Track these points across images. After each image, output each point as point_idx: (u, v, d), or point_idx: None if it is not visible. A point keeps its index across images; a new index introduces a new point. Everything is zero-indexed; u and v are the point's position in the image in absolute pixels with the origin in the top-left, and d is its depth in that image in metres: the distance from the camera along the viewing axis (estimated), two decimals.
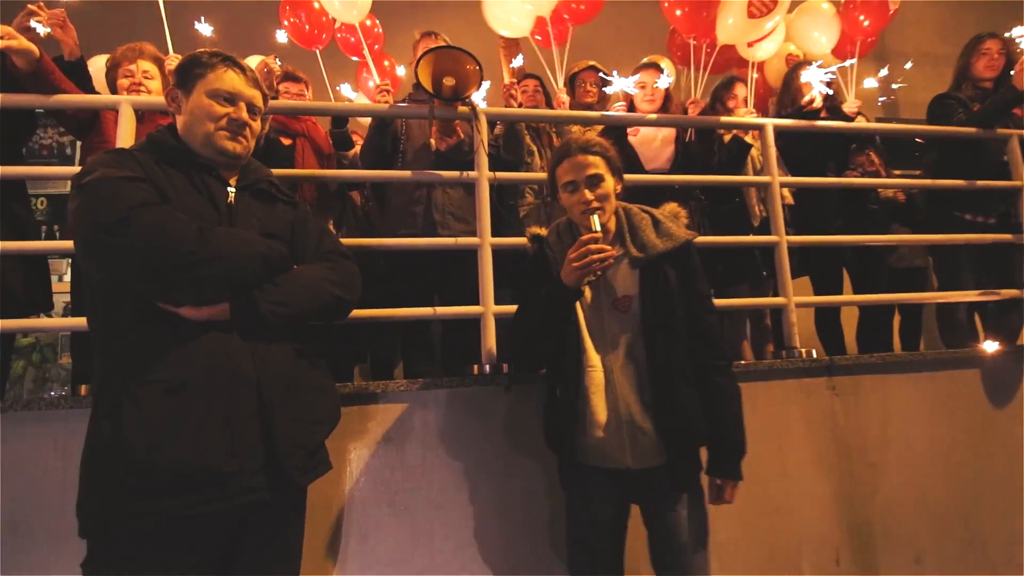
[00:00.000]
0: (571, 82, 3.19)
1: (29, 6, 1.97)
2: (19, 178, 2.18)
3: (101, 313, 1.23)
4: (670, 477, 1.46)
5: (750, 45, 2.67)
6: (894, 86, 4.06)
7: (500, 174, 2.25)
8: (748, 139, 2.63)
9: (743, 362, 2.32)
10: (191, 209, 1.25)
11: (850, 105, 2.67)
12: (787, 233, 2.44)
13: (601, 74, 3.14)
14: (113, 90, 2.34)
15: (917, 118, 4.01)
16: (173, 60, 2.34)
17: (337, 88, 2.93)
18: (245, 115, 1.36)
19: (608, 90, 2.62)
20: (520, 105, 2.67)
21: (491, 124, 2.49)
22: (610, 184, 1.54)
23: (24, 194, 2.21)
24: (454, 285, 2.45)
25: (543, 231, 1.70)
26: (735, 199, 2.74)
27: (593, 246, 1.42)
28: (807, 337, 2.51)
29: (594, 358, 1.52)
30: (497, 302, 2.12)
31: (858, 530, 2.16)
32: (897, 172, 3.21)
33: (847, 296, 2.71)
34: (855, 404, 2.25)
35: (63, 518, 1.55)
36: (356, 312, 1.98)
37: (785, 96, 2.72)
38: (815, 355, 2.30)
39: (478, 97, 2.31)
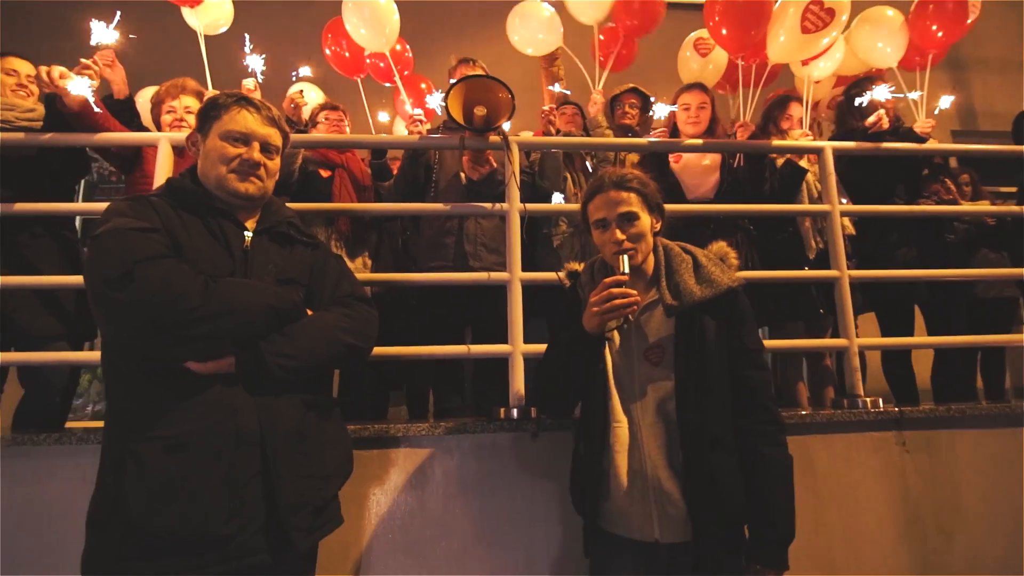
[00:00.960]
0: (612, 104, 3.08)
1: (82, 60, 2.03)
2: (69, 213, 2.27)
3: (111, 365, 1.21)
4: (694, 555, 1.27)
5: (805, 63, 2.47)
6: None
7: (531, 205, 2.15)
8: (803, 163, 2.43)
9: (800, 412, 2.10)
10: (205, 256, 1.22)
11: (922, 125, 2.41)
12: (848, 266, 2.23)
13: (642, 95, 3.05)
14: (158, 125, 2.42)
15: (998, 130, 3.66)
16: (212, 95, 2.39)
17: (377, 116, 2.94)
18: (257, 155, 1.32)
19: (660, 110, 2.48)
20: (558, 131, 2.58)
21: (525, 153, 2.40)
22: (646, 222, 1.40)
23: (72, 224, 2.31)
24: (486, 318, 2.36)
25: (580, 266, 1.58)
26: (788, 228, 2.52)
27: (616, 290, 1.30)
28: (872, 375, 2.27)
29: (620, 412, 1.36)
30: (530, 335, 2.02)
31: None
32: (988, 189, 2.89)
33: (920, 338, 2.41)
34: (928, 462, 1.99)
35: None
36: (384, 350, 1.96)
37: (847, 116, 2.50)
38: (882, 406, 2.06)
39: (515, 123, 2.23)
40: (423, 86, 3.26)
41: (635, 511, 1.30)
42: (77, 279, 2.13)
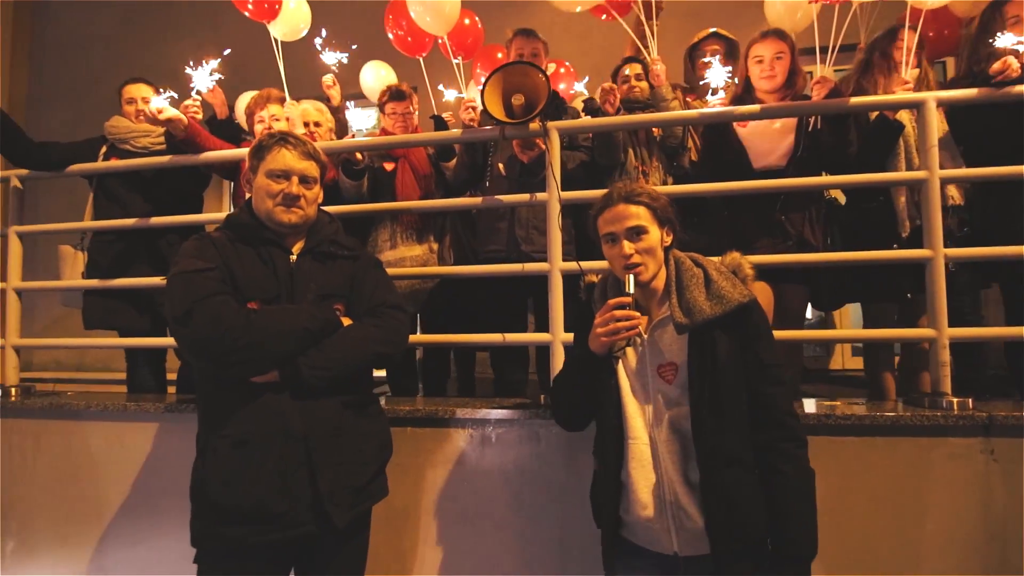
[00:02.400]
0: (691, 55, 2.81)
1: (191, 97, 2.39)
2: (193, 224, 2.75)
3: (196, 379, 1.55)
4: (715, 566, 1.29)
5: None
6: None
7: (570, 193, 2.13)
8: (904, 116, 2.05)
9: (860, 410, 1.92)
10: (255, 282, 1.48)
11: None
12: (952, 242, 1.90)
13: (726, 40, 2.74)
14: (252, 133, 2.76)
15: None
16: (290, 104, 2.65)
17: (439, 89, 3.00)
18: (296, 188, 1.53)
19: (715, 77, 2.23)
20: (619, 110, 2.44)
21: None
22: (655, 236, 1.38)
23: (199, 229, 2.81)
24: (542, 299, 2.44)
25: (597, 278, 1.58)
26: (879, 197, 2.18)
27: (619, 312, 1.32)
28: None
29: (637, 429, 1.37)
30: None
31: None
32: None
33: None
34: (1020, 473, 1.73)
35: None
36: (427, 337, 2.16)
37: (971, 54, 2.03)
38: (969, 407, 1.80)
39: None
40: (500, 55, 3.24)
41: (654, 525, 1.34)
42: None
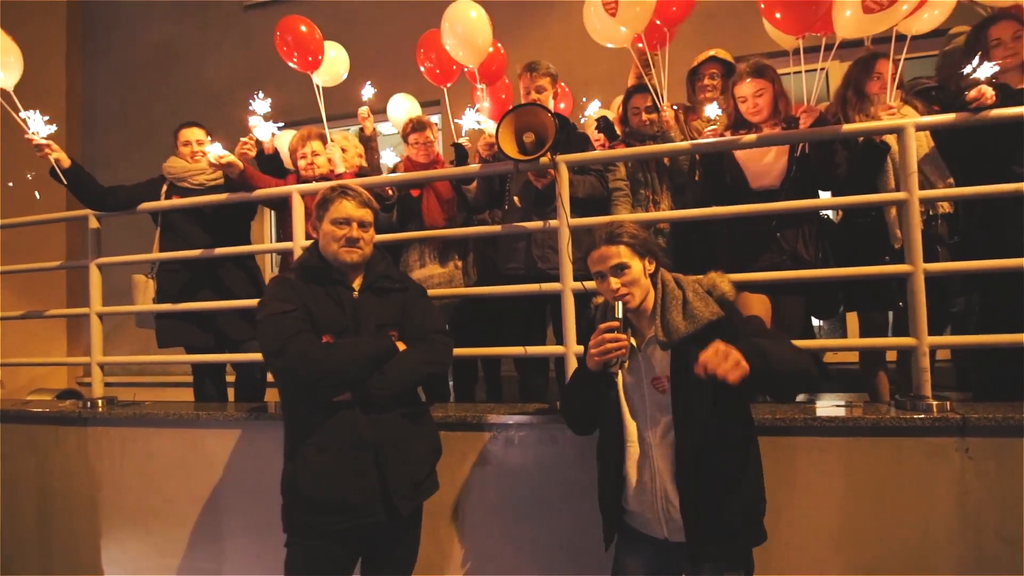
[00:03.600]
0: (691, 78, 2.98)
1: (240, 139, 2.72)
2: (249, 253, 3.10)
3: (284, 399, 1.87)
4: (689, 551, 1.53)
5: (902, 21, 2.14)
6: None
7: (578, 220, 2.36)
8: (891, 136, 2.20)
9: (849, 413, 2.11)
10: (327, 317, 1.78)
11: None
12: (943, 250, 2.05)
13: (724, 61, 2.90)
14: (295, 166, 3.07)
15: None
16: (331, 144, 2.96)
17: (458, 121, 3.26)
18: (356, 232, 1.84)
19: (710, 111, 2.42)
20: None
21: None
22: (637, 268, 1.59)
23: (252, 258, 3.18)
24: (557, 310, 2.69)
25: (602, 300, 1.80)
26: (871, 213, 2.34)
27: (608, 335, 1.54)
28: None
29: (634, 434, 1.62)
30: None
31: None
32: None
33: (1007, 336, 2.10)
34: (995, 469, 1.90)
35: None
36: (459, 351, 2.42)
37: (948, 78, 2.16)
38: (948, 409, 1.98)
39: None
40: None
41: (648, 515, 1.60)
42: (247, 303, 2.97)
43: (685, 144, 2.41)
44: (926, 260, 2.01)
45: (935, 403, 2.00)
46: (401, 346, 1.82)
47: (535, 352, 2.47)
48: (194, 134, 3.04)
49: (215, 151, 2.59)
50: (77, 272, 6.03)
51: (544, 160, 2.38)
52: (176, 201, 2.88)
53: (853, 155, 2.28)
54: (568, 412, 1.83)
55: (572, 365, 2.34)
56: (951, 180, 2.23)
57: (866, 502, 1.98)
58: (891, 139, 2.23)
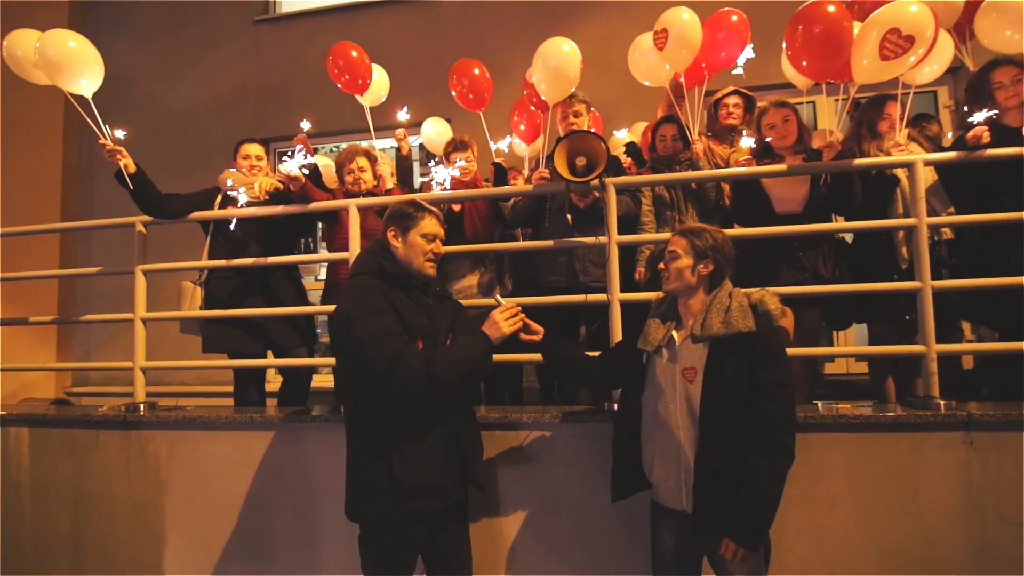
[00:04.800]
0: (715, 106, 3.29)
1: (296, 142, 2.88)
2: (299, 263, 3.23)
3: (376, 404, 1.91)
4: (692, 522, 1.76)
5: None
6: None
7: (625, 237, 2.61)
8: (900, 170, 2.53)
9: (872, 412, 2.39)
10: (414, 319, 1.91)
11: None
12: (945, 271, 2.37)
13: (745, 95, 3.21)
14: (341, 180, 3.22)
15: None
16: (382, 159, 3.13)
17: (494, 144, 3.49)
18: (439, 248, 2.04)
19: (744, 143, 2.72)
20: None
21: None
22: (684, 263, 1.86)
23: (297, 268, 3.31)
24: (597, 316, 2.91)
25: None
26: (881, 236, 2.66)
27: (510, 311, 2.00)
28: None
29: (662, 415, 1.84)
30: None
31: None
32: None
33: (1002, 344, 2.43)
34: (996, 460, 2.20)
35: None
36: (509, 357, 2.62)
37: (974, 102, 2.49)
38: (953, 407, 2.28)
39: None
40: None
41: (671, 489, 1.82)
42: (306, 308, 3.10)
43: (721, 172, 2.68)
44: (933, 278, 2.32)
45: (943, 402, 2.29)
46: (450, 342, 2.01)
47: None
48: (254, 149, 3.18)
49: (289, 166, 2.75)
50: (69, 280, 6.01)
51: (595, 182, 2.63)
52: (246, 210, 2.98)
53: (867, 185, 2.59)
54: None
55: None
56: (951, 209, 2.57)
57: (886, 489, 2.25)
58: (899, 172, 2.56)
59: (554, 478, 2.48)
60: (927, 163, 2.43)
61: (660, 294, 2.02)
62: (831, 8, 2.33)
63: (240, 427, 2.84)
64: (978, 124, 2.35)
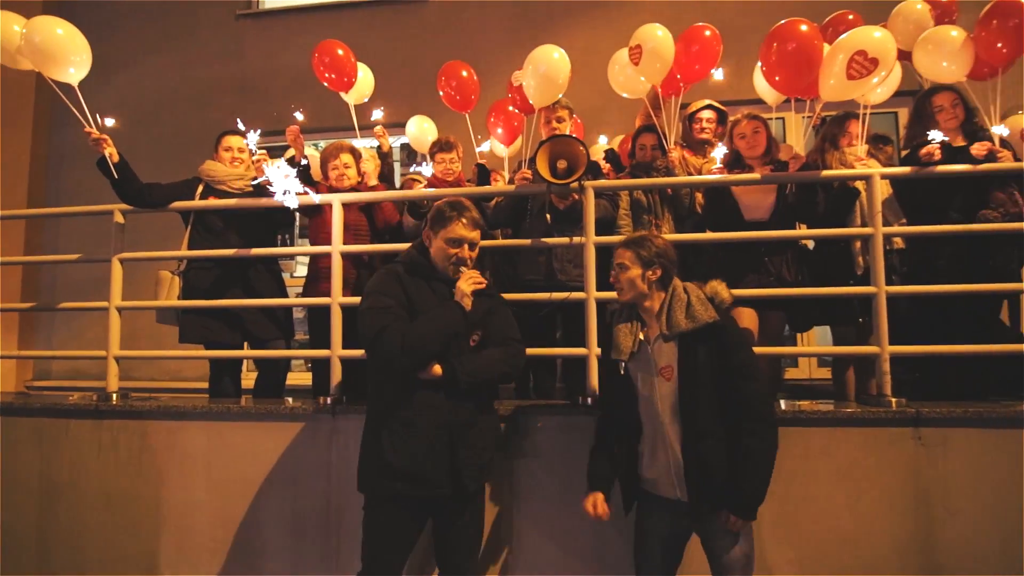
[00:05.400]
0: (689, 119, 3.43)
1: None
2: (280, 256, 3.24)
3: (373, 376, 2.07)
4: (689, 509, 1.87)
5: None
6: None
7: (602, 238, 2.71)
8: (859, 183, 2.70)
9: (824, 407, 2.54)
10: (426, 306, 2.01)
11: (977, 148, 2.56)
12: (897, 278, 2.54)
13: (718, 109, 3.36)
14: (325, 175, 3.26)
15: None
16: (366, 155, 3.18)
17: (478, 147, 3.58)
18: (465, 253, 2.09)
19: (716, 153, 2.86)
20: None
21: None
22: (634, 272, 1.96)
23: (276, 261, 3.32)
24: (572, 316, 3.00)
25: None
26: (840, 243, 2.83)
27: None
28: None
29: (648, 415, 1.95)
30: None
31: (934, 567, 2.33)
32: None
33: (950, 347, 2.60)
34: (942, 454, 2.36)
35: None
36: None
37: (910, 132, 2.68)
38: (903, 404, 2.43)
39: None
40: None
41: (662, 480, 1.93)
42: (284, 300, 3.11)
43: (695, 178, 2.82)
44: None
45: (894, 400, 2.45)
46: (476, 338, 2.07)
47: (563, 353, 2.77)
48: (236, 141, 3.18)
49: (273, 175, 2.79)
50: (34, 271, 5.84)
51: (574, 185, 2.73)
52: (227, 202, 3.00)
53: (829, 196, 2.76)
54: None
55: (593, 365, 2.64)
56: (904, 221, 2.75)
57: (842, 481, 2.39)
58: (859, 185, 2.72)
59: (548, 468, 2.55)
60: (883, 176, 2.60)
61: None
62: (804, 28, 2.50)
63: (215, 417, 2.84)
64: (931, 143, 2.54)
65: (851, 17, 3.26)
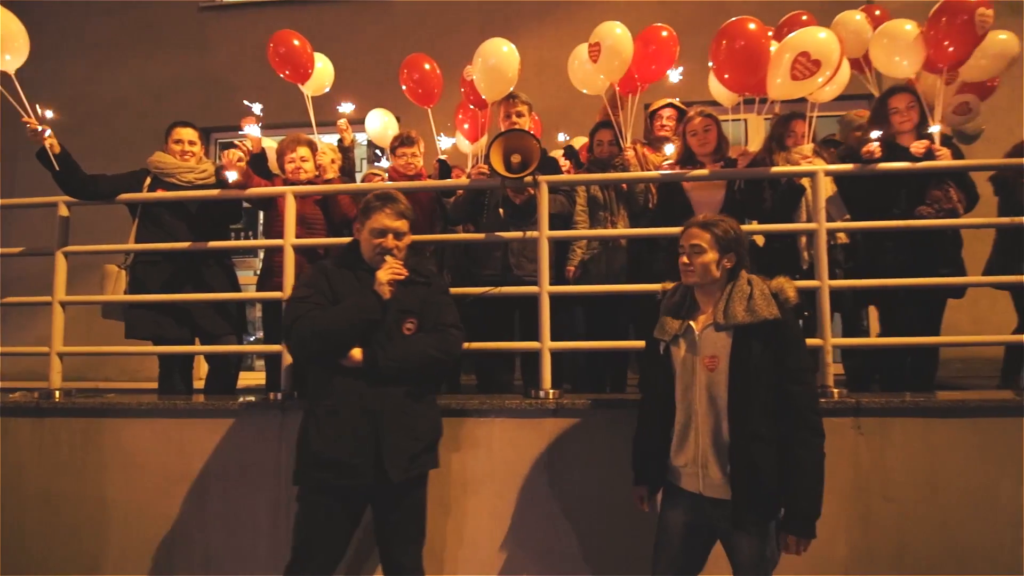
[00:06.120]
0: (651, 117, 3.48)
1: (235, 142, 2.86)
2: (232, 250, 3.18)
3: (302, 367, 2.12)
4: (731, 513, 1.75)
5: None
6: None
7: (558, 232, 2.73)
8: (805, 180, 2.77)
9: None
10: (352, 294, 2.02)
11: (916, 146, 2.65)
12: (841, 271, 2.62)
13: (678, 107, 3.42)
14: (282, 168, 3.21)
15: None
16: (323, 149, 3.15)
17: (437, 139, 3.57)
18: (390, 242, 2.07)
19: (667, 149, 2.91)
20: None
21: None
22: (710, 256, 1.84)
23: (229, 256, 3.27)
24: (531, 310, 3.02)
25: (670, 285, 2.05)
26: (786, 239, 2.90)
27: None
28: None
29: (683, 404, 1.85)
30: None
31: (871, 555, 2.40)
32: None
33: (889, 339, 2.70)
34: (880, 443, 2.43)
35: None
36: None
37: (872, 128, 2.76)
38: (845, 395, 2.51)
39: None
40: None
41: (687, 472, 1.84)
42: (238, 295, 3.06)
43: (646, 174, 2.86)
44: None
45: (836, 391, 2.52)
46: (410, 326, 2.05)
47: (516, 347, 2.78)
48: (187, 134, 3.12)
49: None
50: None
51: (528, 179, 2.74)
52: (165, 194, 2.94)
53: (776, 193, 2.82)
54: None
55: (547, 358, 2.66)
56: (847, 216, 2.83)
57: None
58: (805, 182, 2.79)
59: (486, 456, 2.56)
60: (827, 174, 2.67)
61: (586, 288, 2.13)
62: (752, 26, 2.56)
63: (162, 414, 2.77)
64: (872, 141, 2.62)
65: (805, 18, 3.34)
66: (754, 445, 1.72)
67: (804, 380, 1.77)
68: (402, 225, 2.09)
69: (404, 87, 3.62)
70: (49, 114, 2.75)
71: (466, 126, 3.70)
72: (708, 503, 1.81)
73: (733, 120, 3.07)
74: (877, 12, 3.29)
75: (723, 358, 1.77)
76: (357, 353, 1.97)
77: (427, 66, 3.55)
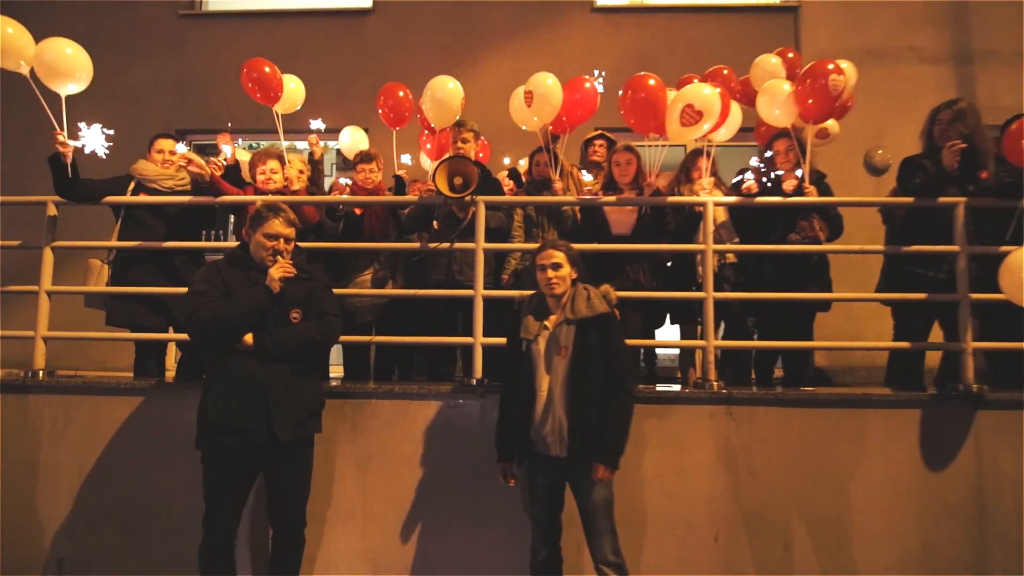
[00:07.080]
0: (585, 145, 4.00)
1: (211, 159, 3.27)
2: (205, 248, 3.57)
3: (199, 351, 2.51)
4: (569, 459, 2.32)
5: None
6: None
7: (491, 245, 3.20)
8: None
9: (658, 390, 3.13)
10: (242, 289, 2.42)
11: (788, 185, 3.22)
12: (730, 285, 3.20)
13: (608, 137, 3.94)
14: (254, 179, 3.61)
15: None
16: (291, 161, 3.56)
17: (401, 158, 4.00)
18: (281, 246, 2.48)
19: (586, 176, 3.43)
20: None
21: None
22: (566, 271, 2.42)
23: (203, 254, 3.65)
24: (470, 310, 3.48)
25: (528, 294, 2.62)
26: (686, 256, 3.45)
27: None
28: None
29: (543, 385, 2.39)
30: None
31: (737, 520, 2.93)
32: None
33: (770, 343, 3.27)
34: (748, 428, 2.97)
35: None
36: (382, 338, 3.14)
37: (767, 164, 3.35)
38: (721, 388, 3.04)
39: None
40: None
41: (551, 439, 2.36)
42: None
43: (571, 198, 3.38)
44: (717, 291, 3.12)
45: (715, 383, 3.05)
46: (296, 315, 2.47)
47: (451, 342, 3.24)
48: (168, 145, 3.49)
49: (194, 156, 3.13)
50: None
51: (468, 199, 3.21)
52: (146, 198, 3.32)
53: (679, 218, 3.36)
54: None
55: (479, 352, 3.13)
56: (737, 239, 3.38)
57: (671, 448, 2.96)
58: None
59: (406, 438, 3.01)
60: (717, 204, 3.21)
61: (522, 293, 2.61)
62: (651, 82, 3.08)
63: (139, 393, 3.14)
64: (748, 180, 3.19)
65: (726, 72, 3.87)
66: (586, 406, 2.29)
67: (621, 355, 2.38)
68: (291, 232, 2.50)
69: (380, 111, 3.97)
70: (99, 128, 3.14)
71: (428, 146, 4.14)
72: (564, 462, 2.33)
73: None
74: (790, 55, 3.85)
75: (570, 346, 2.34)
76: (249, 338, 2.37)
77: (401, 93, 3.86)
